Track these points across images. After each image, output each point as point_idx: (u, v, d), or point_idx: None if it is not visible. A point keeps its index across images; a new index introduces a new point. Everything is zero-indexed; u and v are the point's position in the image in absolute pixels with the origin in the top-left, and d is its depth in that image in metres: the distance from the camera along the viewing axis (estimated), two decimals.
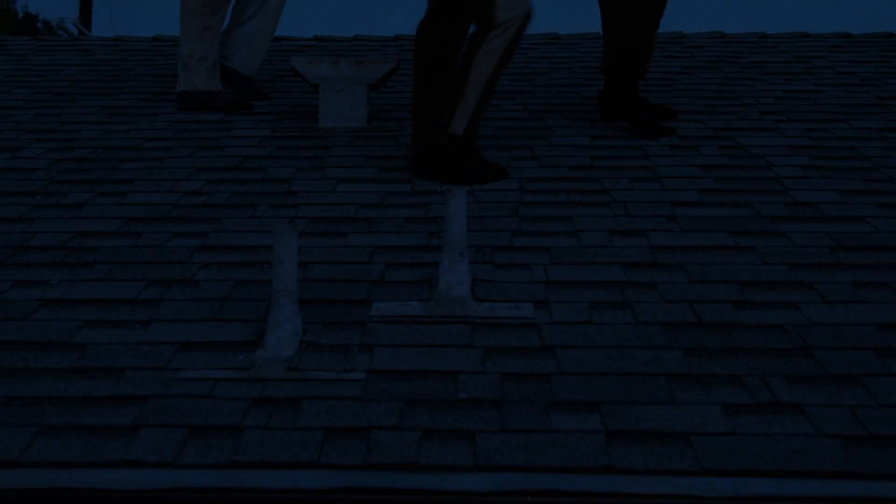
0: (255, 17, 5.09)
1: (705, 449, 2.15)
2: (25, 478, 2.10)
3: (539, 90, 5.28)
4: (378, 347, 2.63)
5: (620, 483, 2.07)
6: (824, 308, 2.82)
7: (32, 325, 2.77)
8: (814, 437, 2.19)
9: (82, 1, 16.42)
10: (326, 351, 2.61)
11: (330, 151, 4.32)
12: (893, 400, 2.34)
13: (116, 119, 4.84)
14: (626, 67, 4.51)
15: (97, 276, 3.11)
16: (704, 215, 3.53)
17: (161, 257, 3.24)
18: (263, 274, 3.07)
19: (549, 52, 6.24)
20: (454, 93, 4.00)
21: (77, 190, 3.88)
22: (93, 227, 3.50)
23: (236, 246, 3.33)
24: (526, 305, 2.85)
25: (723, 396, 2.37)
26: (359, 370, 2.51)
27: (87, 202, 3.75)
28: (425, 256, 3.22)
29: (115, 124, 4.75)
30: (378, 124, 4.71)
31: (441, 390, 2.41)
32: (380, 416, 2.30)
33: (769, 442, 2.18)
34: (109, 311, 2.85)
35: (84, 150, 4.39)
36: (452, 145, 3.97)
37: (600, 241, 3.33)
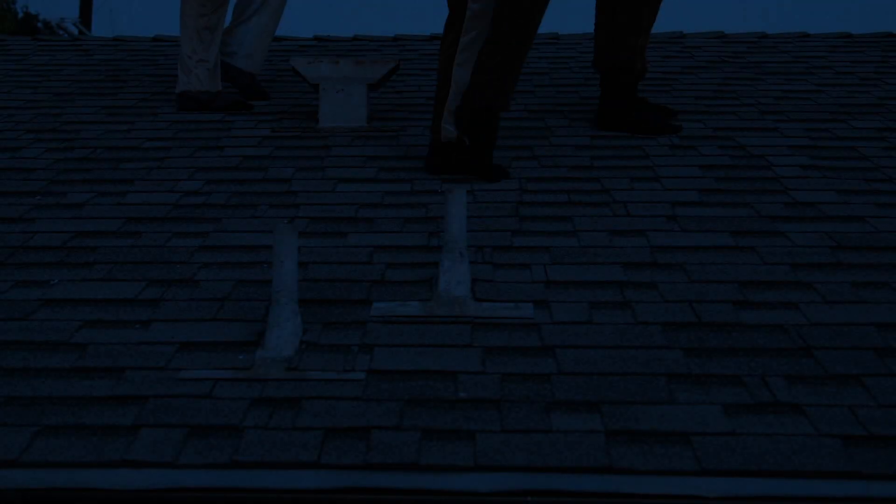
0: (257, 14, 5.10)
1: (705, 449, 2.15)
2: (25, 478, 2.10)
3: (539, 90, 5.28)
4: (378, 347, 2.63)
5: (620, 483, 2.07)
6: (824, 308, 2.82)
7: (32, 325, 2.78)
8: (814, 437, 2.20)
9: (82, 1, 16.44)
10: (326, 351, 2.61)
11: (330, 151, 4.32)
12: (893, 400, 2.34)
13: (116, 119, 4.84)
14: (625, 70, 4.50)
15: (97, 276, 3.11)
16: (704, 215, 3.53)
17: (161, 257, 3.24)
18: (263, 274, 3.07)
19: (549, 52, 6.24)
20: (438, 97, 4.04)
21: (77, 190, 3.88)
22: (93, 227, 3.50)
23: (236, 246, 3.33)
24: (526, 305, 2.85)
25: (723, 396, 2.37)
26: (359, 370, 2.51)
27: (87, 202, 3.75)
28: (425, 256, 3.22)
29: (115, 124, 4.76)
30: (378, 124, 4.71)
31: (441, 390, 2.41)
32: (380, 416, 2.30)
33: (769, 442, 2.18)
34: (109, 311, 2.85)
35: (84, 150, 4.39)
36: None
37: (600, 241, 3.33)
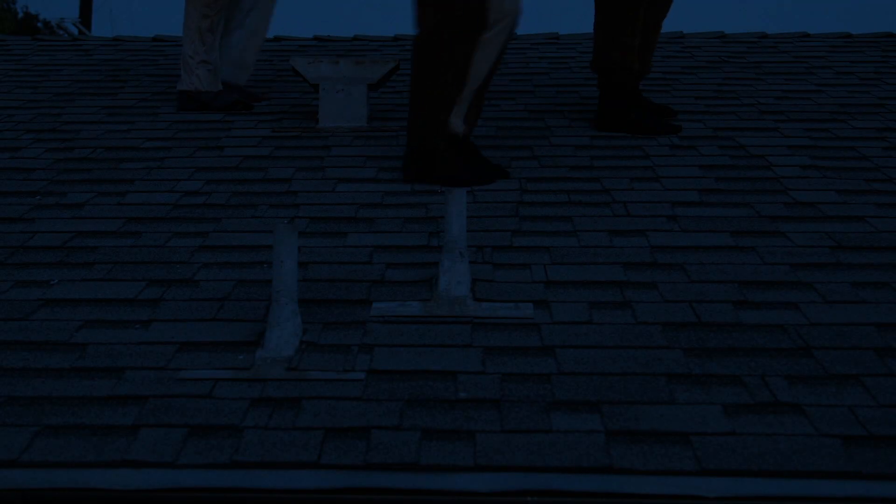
0: (241, 27, 5.07)
1: (705, 449, 2.15)
2: (25, 478, 2.10)
3: (539, 90, 5.28)
4: (378, 347, 2.63)
5: (620, 483, 2.07)
6: (824, 308, 2.82)
7: (32, 325, 2.78)
8: (814, 437, 2.20)
9: (82, 1, 16.44)
10: (326, 351, 2.62)
11: (330, 151, 4.32)
12: (893, 400, 2.35)
13: (116, 119, 4.85)
14: (621, 69, 4.49)
15: (97, 276, 3.11)
16: (704, 215, 3.53)
17: (161, 257, 3.24)
18: (263, 274, 3.07)
19: (549, 52, 6.24)
20: (452, 93, 4.00)
21: (77, 190, 3.88)
22: (93, 227, 3.50)
23: (236, 246, 3.33)
24: (526, 305, 2.85)
25: (723, 396, 2.37)
26: (359, 370, 2.51)
27: (87, 202, 3.75)
28: (425, 256, 3.22)
29: (115, 124, 4.76)
30: (378, 124, 4.71)
31: (441, 390, 2.41)
32: (380, 416, 2.30)
33: (769, 442, 2.18)
34: (109, 311, 2.85)
35: (84, 150, 4.39)
36: (447, 146, 3.96)
37: (600, 241, 3.33)
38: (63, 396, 2.39)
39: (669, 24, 6.63)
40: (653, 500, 2.04)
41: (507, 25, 3.97)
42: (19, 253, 3.29)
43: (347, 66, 4.66)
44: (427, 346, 2.64)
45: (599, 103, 4.60)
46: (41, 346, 2.65)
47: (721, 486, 2.05)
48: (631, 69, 4.48)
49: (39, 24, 21.77)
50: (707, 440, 2.19)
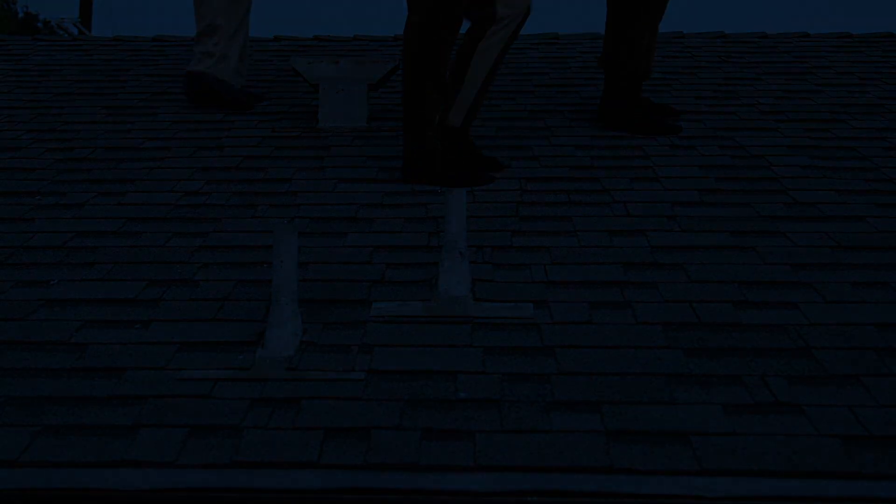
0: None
1: (705, 449, 2.15)
2: (25, 478, 2.10)
3: (539, 90, 5.28)
4: (378, 347, 2.63)
5: (620, 483, 2.07)
6: (824, 308, 2.82)
7: (32, 325, 2.78)
8: (814, 437, 2.20)
9: (82, 1, 16.43)
10: (326, 351, 2.62)
11: (330, 151, 4.32)
12: (893, 400, 2.35)
13: (116, 119, 4.84)
14: (627, 67, 4.50)
15: (97, 276, 3.11)
16: (704, 215, 3.53)
17: (161, 257, 3.24)
18: (263, 274, 3.07)
19: (549, 52, 6.24)
20: (451, 86, 3.99)
21: (77, 190, 3.88)
22: (93, 227, 3.50)
23: (236, 246, 3.33)
24: (526, 305, 2.85)
25: (723, 396, 2.37)
26: (359, 370, 2.51)
27: (87, 202, 3.75)
28: (425, 256, 3.22)
29: (115, 124, 4.76)
30: (378, 124, 4.71)
31: (441, 390, 2.41)
32: (380, 416, 2.30)
33: (769, 442, 2.18)
34: (109, 311, 2.85)
35: (84, 150, 4.39)
36: (442, 146, 3.95)
37: (600, 241, 3.33)
38: (63, 396, 2.39)
39: (670, 24, 6.62)
40: (653, 500, 2.04)
41: (514, 21, 3.96)
42: (19, 253, 3.28)
43: (347, 66, 4.66)
44: (427, 346, 2.64)
45: (602, 100, 4.61)
46: (41, 346, 2.65)
47: (721, 486, 2.05)
48: (636, 68, 4.49)
49: (39, 24, 21.76)
50: (707, 440, 2.19)
